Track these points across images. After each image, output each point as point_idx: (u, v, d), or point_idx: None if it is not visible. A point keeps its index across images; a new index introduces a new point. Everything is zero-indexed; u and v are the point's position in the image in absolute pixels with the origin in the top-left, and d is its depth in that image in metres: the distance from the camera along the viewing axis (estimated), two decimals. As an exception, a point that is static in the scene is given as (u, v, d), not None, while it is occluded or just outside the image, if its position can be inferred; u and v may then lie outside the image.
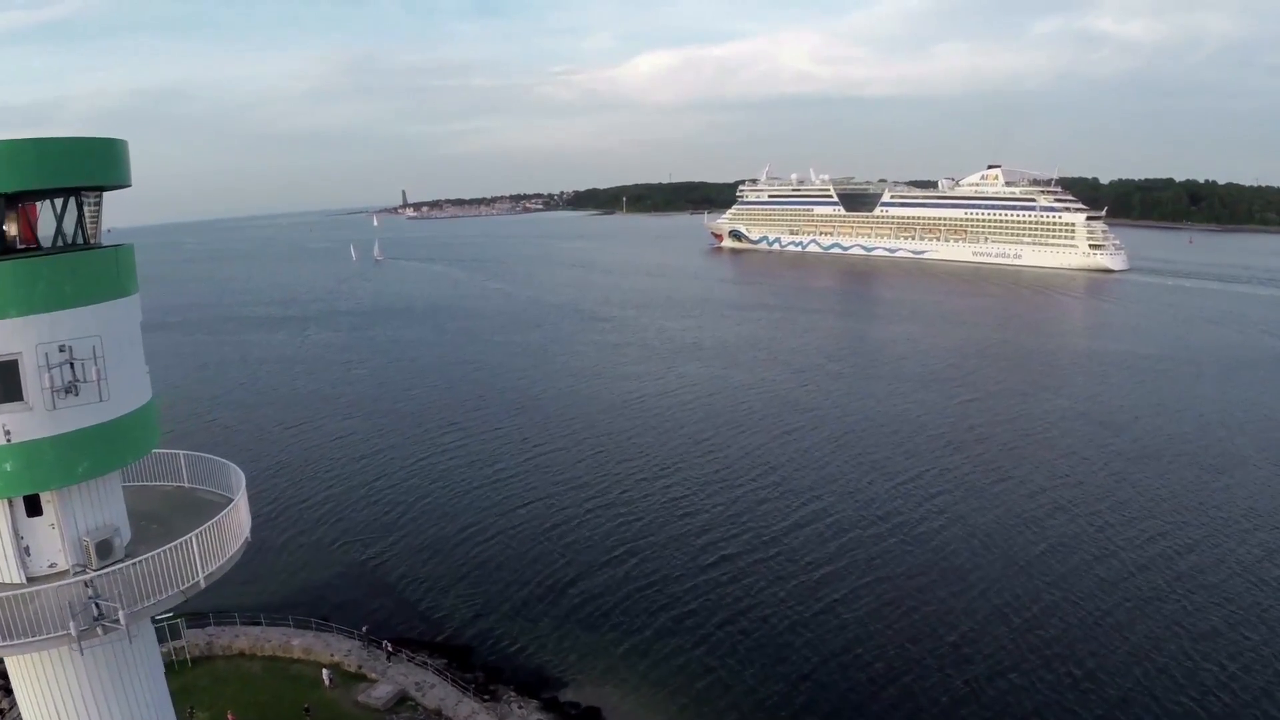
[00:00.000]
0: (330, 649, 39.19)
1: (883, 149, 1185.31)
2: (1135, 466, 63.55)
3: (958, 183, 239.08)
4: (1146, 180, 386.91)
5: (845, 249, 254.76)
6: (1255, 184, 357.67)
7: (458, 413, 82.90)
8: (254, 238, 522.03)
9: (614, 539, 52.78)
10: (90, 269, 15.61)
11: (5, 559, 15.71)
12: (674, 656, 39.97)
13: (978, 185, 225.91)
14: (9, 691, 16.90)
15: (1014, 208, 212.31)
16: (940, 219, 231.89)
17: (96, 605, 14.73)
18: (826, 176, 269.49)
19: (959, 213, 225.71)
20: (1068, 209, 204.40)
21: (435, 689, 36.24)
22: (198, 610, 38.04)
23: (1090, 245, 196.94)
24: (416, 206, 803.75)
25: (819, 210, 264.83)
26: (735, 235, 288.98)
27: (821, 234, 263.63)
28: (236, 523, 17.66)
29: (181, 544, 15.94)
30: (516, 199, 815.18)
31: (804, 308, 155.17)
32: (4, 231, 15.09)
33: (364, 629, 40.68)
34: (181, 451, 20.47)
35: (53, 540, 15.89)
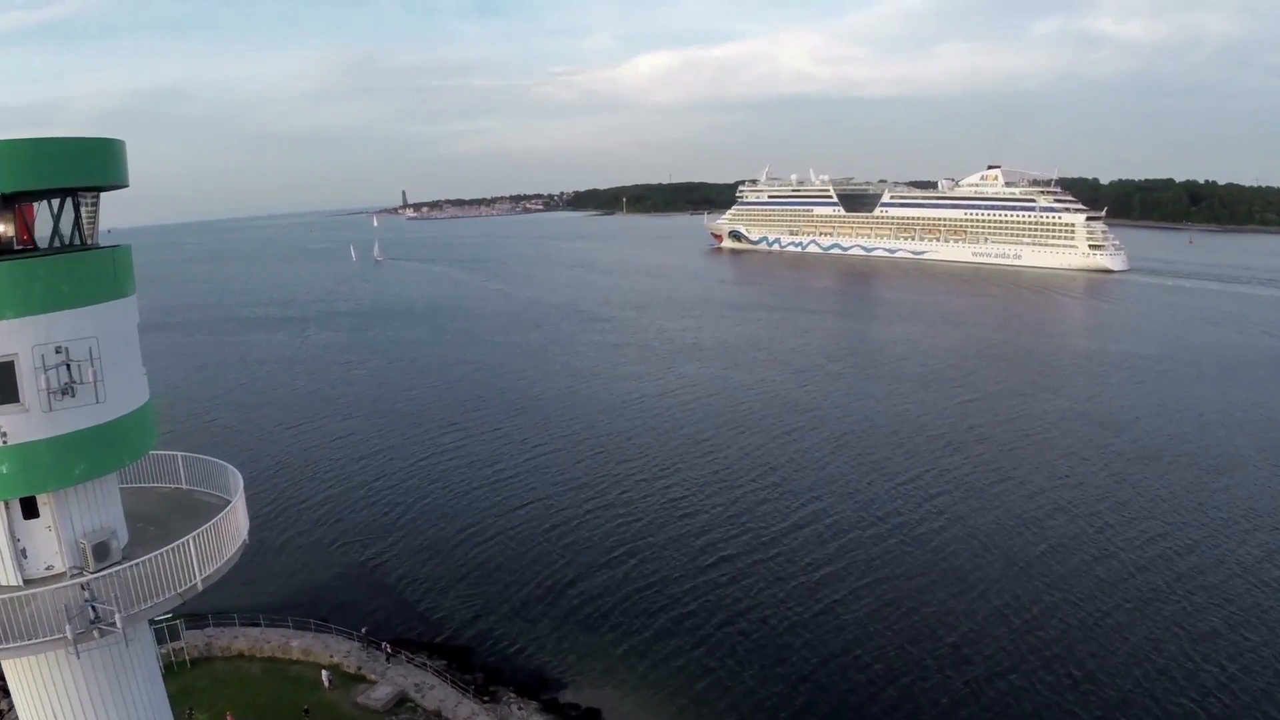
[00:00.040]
0: (330, 650, 39.13)
1: (882, 149, 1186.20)
2: (1135, 467, 63.50)
3: (957, 183, 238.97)
4: (1146, 181, 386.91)
5: (845, 249, 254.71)
6: (1255, 184, 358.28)
7: (457, 413, 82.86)
8: (254, 238, 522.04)
9: (614, 540, 52.72)
10: (87, 270, 15.55)
11: (1, 561, 15.66)
12: (674, 657, 39.91)
13: (977, 186, 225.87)
14: (7, 693, 16.82)
15: (1014, 208, 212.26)
16: (940, 219, 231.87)
17: (93, 608, 14.68)
18: (826, 177, 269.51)
19: (959, 213, 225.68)
20: (1067, 209, 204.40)
21: (435, 690, 36.18)
22: (197, 611, 37.95)
23: (1090, 246, 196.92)
24: (416, 207, 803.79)
25: (819, 211, 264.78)
26: (735, 236, 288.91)
27: (821, 234, 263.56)
28: (234, 525, 17.60)
29: (178, 546, 15.88)
30: (516, 199, 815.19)
31: (804, 308, 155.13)
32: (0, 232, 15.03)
33: (363, 630, 40.64)
34: (179, 453, 20.40)
35: (49, 542, 15.83)
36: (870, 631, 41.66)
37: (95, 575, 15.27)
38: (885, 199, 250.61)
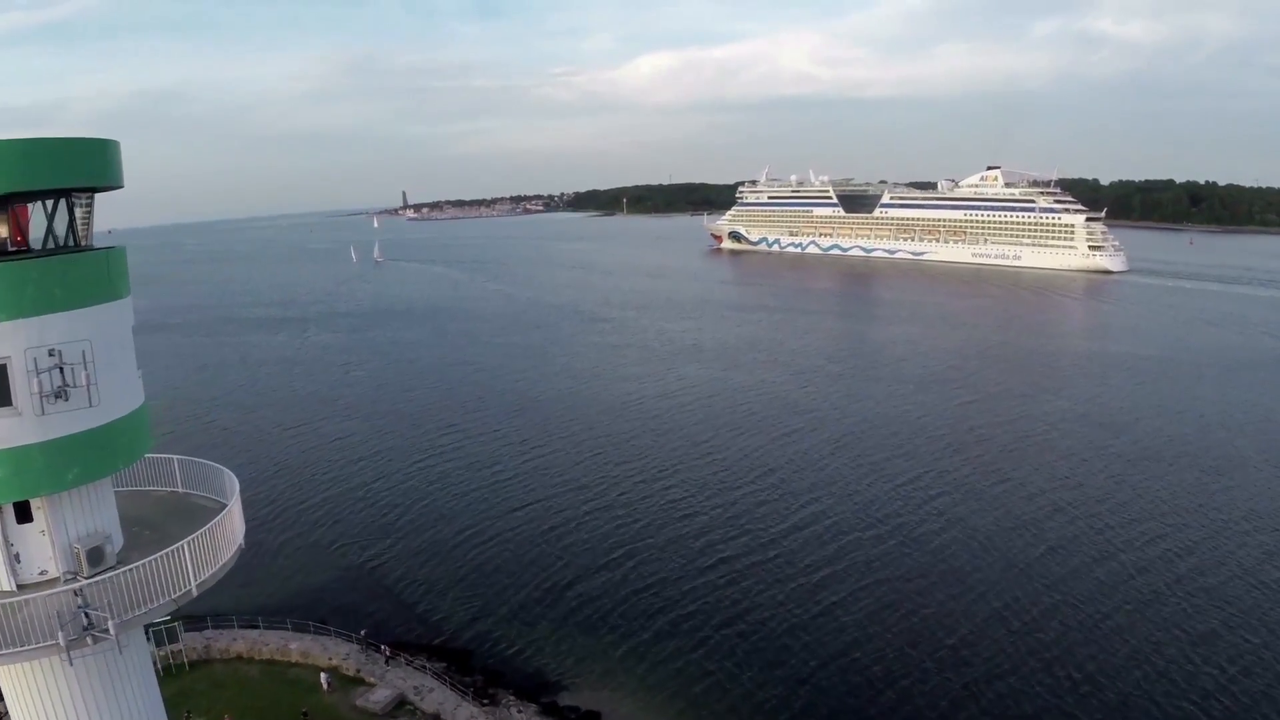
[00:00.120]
0: (328, 652, 39.03)
1: (882, 150, 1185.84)
2: (1135, 468, 63.39)
3: (957, 184, 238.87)
4: (1147, 181, 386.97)
5: (845, 250, 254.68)
6: (1255, 185, 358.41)
7: (457, 414, 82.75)
8: (254, 239, 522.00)
9: (613, 541, 52.62)
10: (81, 272, 15.42)
11: (-5, 566, 15.52)
12: (673, 659, 39.82)
13: (977, 186, 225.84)
14: (1, 699, 16.71)
15: (1013, 209, 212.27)
16: (940, 220, 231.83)
17: (86, 615, 14.56)
18: (826, 178, 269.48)
19: (958, 214, 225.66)
20: (1067, 210, 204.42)
21: (434, 693, 36.07)
22: (195, 613, 37.89)
23: (1089, 246, 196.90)
24: (417, 208, 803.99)
25: (818, 211, 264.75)
26: (735, 236, 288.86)
27: (821, 235, 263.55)
28: (229, 529, 17.48)
29: (173, 551, 15.75)
30: (517, 200, 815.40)
31: (803, 309, 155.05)
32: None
33: (362, 632, 40.54)
34: (175, 456, 20.27)
35: (43, 547, 15.72)
36: (869, 633, 41.56)
37: (88, 581, 15.16)
38: (885, 200, 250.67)
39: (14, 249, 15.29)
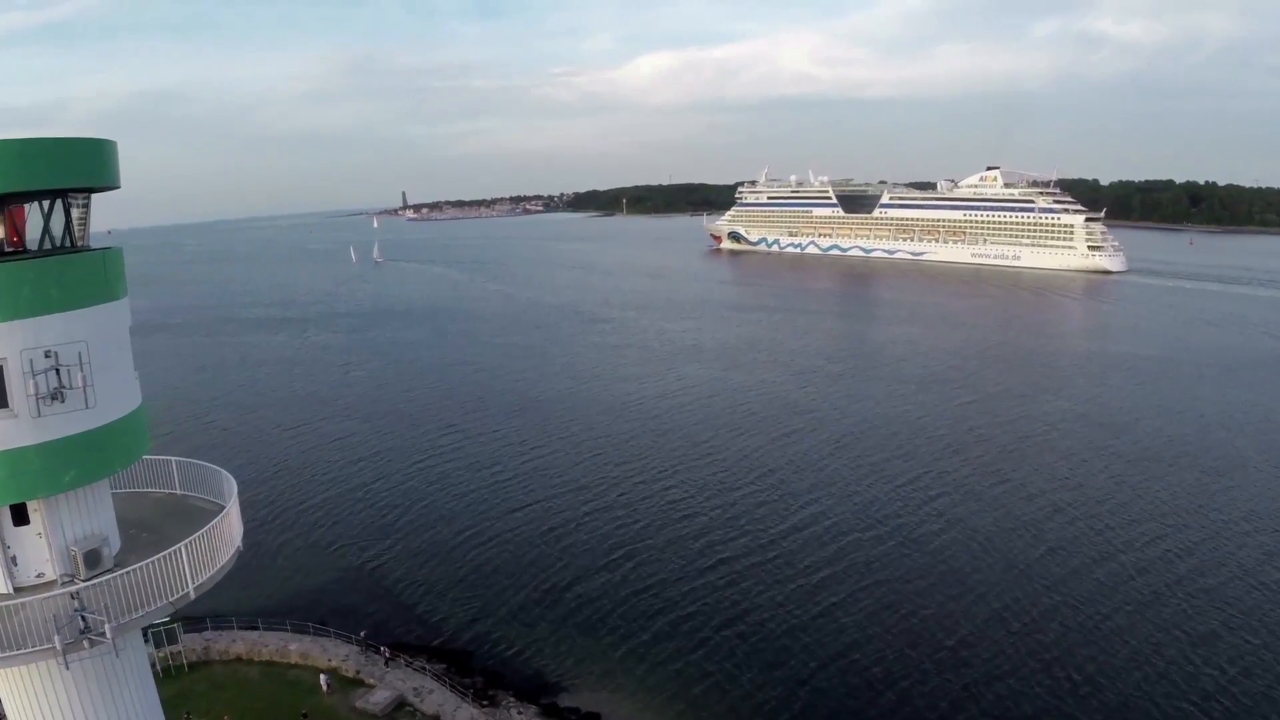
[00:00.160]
0: (328, 654, 38.96)
1: (882, 150, 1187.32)
2: (1135, 469, 63.33)
3: (957, 184, 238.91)
4: (1146, 181, 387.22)
5: (844, 250, 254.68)
6: (1255, 185, 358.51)
7: (456, 415, 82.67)
8: (254, 239, 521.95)
9: (612, 542, 52.55)
10: (77, 272, 15.32)
11: (-8, 568, 15.44)
12: (672, 660, 39.76)
13: (977, 187, 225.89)
14: (-1, 701, 16.63)
15: (1013, 209, 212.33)
16: (939, 220, 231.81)
17: (82, 618, 14.47)
18: (825, 178, 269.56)
19: (958, 214, 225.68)
20: (1066, 210, 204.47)
21: (434, 694, 36.01)
22: (194, 614, 37.80)
23: (1089, 247, 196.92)
24: (416, 208, 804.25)
25: (818, 212, 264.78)
26: (734, 237, 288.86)
27: (820, 235, 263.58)
28: (228, 531, 17.38)
29: (170, 554, 15.66)
30: (517, 200, 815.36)
31: (803, 309, 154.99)
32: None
33: (362, 633, 40.45)
34: (173, 458, 20.18)
35: (40, 550, 15.62)
36: (869, 634, 41.50)
37: (85, 584, 15.07)
38: (884, 200, 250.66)
39: (10, 250, 15.20)
